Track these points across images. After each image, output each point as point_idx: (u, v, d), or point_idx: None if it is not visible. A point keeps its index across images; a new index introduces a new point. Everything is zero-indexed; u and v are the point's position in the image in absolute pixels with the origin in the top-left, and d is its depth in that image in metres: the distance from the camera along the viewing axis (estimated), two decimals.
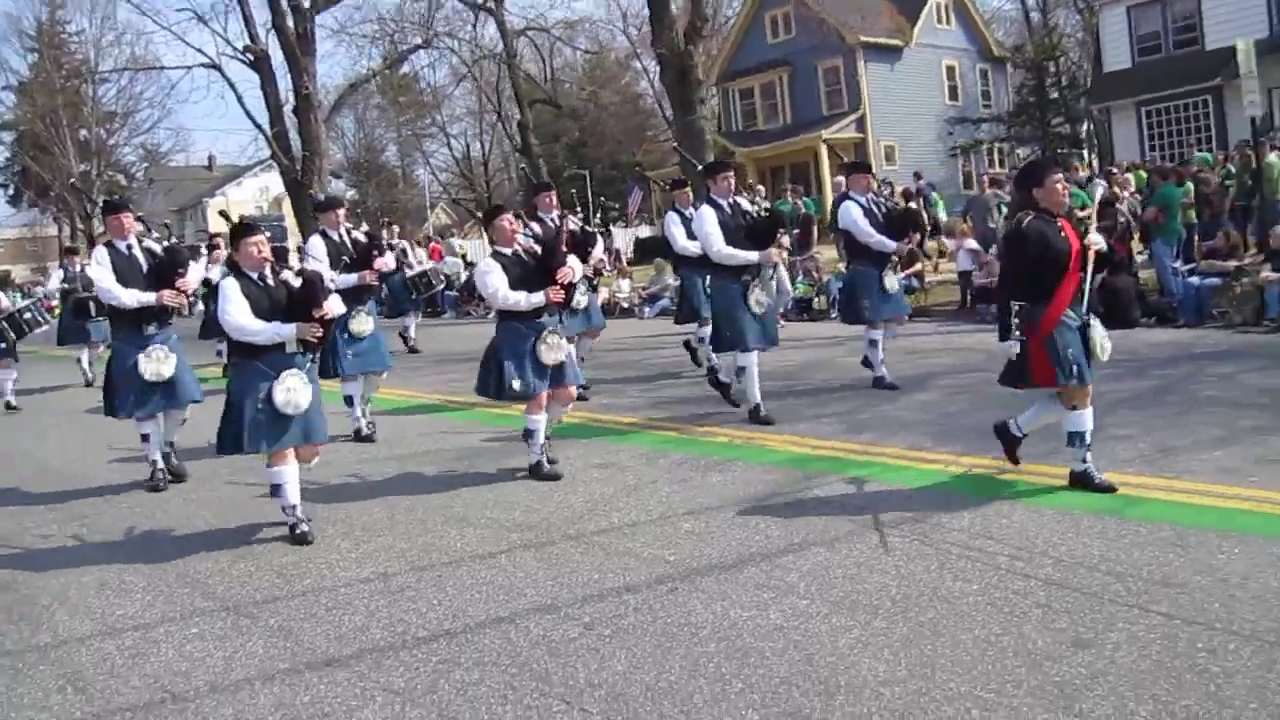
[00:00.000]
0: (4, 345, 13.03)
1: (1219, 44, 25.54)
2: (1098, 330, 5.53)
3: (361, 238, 8.76)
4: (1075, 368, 5.38)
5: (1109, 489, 5.43)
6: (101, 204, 8.33)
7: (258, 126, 27.34)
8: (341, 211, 8.76)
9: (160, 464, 7.48)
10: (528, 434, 6.77)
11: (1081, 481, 5.54)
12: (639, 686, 3.69)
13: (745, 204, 8.18)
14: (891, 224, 8.94)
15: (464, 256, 25.08)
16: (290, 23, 26.94)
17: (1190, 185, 14.77)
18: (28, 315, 13.19)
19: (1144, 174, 18.01)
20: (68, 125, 43.46)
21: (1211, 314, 12.64)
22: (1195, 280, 12.95)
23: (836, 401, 8.72)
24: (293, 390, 5.63)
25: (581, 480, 6.68)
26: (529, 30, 30.62)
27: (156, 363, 7.09)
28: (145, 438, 7.46)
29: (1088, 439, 5.53)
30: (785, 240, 8.52)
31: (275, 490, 5.86)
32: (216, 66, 27.36)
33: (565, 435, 7.83)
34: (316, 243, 8.41)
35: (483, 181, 48.79)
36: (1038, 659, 3.64)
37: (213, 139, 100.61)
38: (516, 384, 6.47)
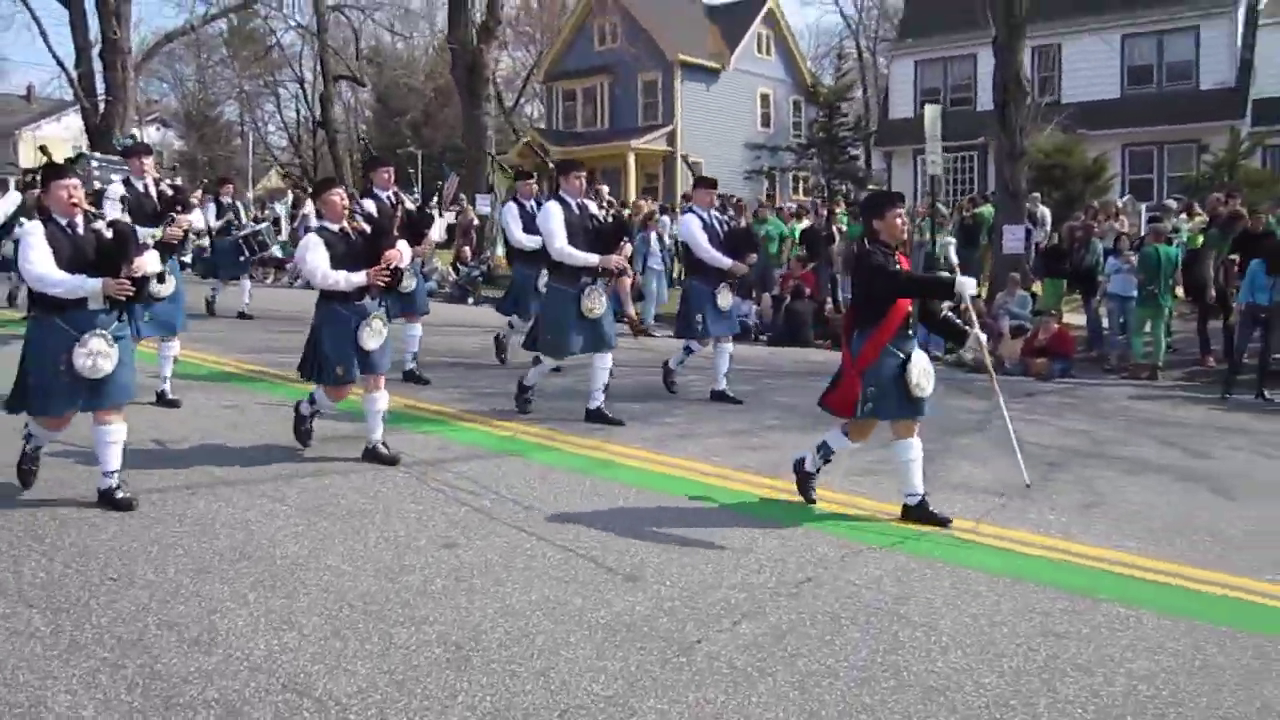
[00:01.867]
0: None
1: (988, 106, 28.23)
2: (917, 364, 5.54)
3: (169, 190, 8.19)
4: (870, 405, 5.54)
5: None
6: None
7: (60, 64, 27.18)
8: (148, 160, 8.22)
9: None
10: (312, 400, 6.72)
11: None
12: (143, 558, 4.80)
13: (593, 207, 8.11)
14: (731, 241, 9.03)
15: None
16: None
17: None
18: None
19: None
20: None
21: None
22: None
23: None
24: (97, 354, 5.22)
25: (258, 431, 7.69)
26: (342, 7, 31.13)
27: None
28: None
29: (830, 457, 5.95)
30: (628, 248, 8.15)
31: (28, 438, 5.67)
32: None
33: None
34: (116, 190, 7.74)
35: (310, 150, 48.56)
36: (404, 550, 4.95)
37: (26, 71, 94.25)
38: (340, 369, 6.34)
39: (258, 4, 29.91)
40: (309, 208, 21.12)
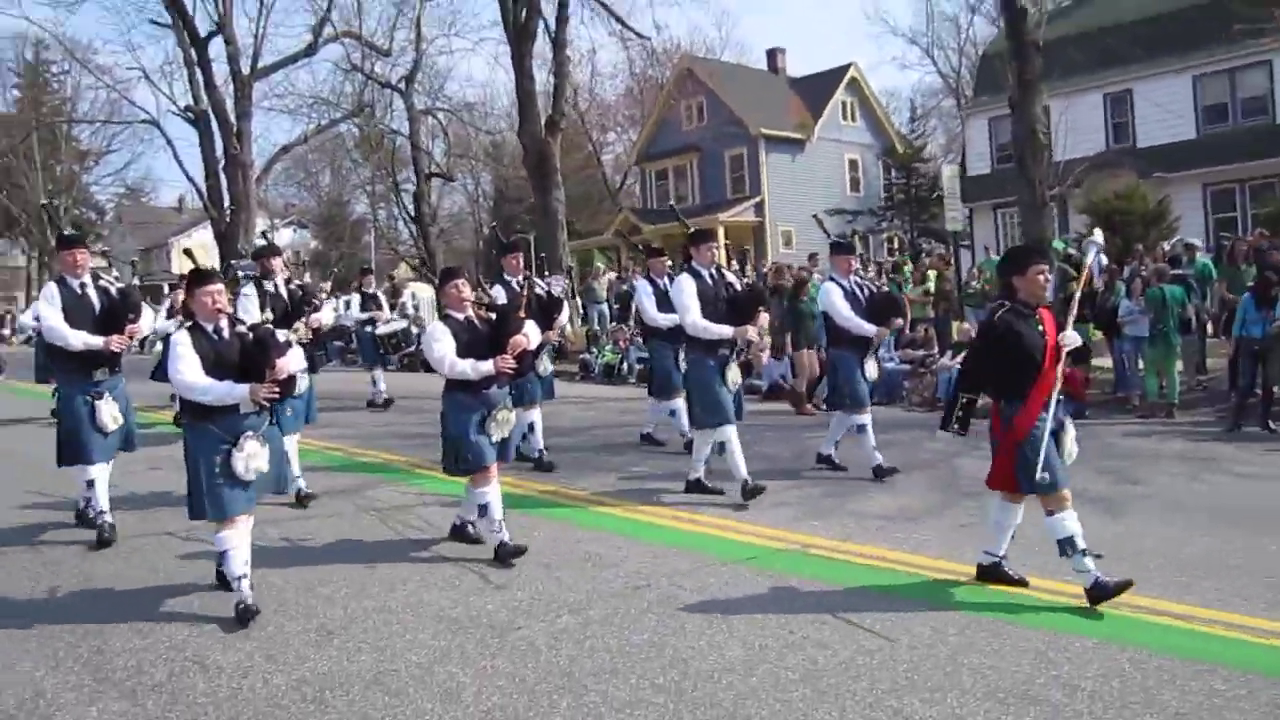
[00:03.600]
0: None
1: (1062, 158, 28.52)
2: (1070, 432, 5.46)
3: (298, 290, 8.54)
4: (1045, 475, 5.23)
5: (1126, 585, 5.25)
6: (56, 238, 7.83)
7: (189, 179, 30.43)
8: (277, 261, 8.51)
9: (108, 517, 7.14)
10: (482, 510, 6.52)
11: (1096, 596, 5.24)
12: (149, 592, 6.21)
13: (730, 275, 8.06)
14: (874, 307, 8.86)
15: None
16: (231, 88, 29.84)
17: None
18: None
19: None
20: (40, 160, 45.83)
21: (901, 396, 15.28)
22: (891, 366, 15.59)
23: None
24: (252, 457, 5.37)
25: None
26: (433, 110, 33.79)
27: (113, 406, 7.02)
28: (90, 484, 7.14)
29: (1079, 543, 5.30)
30: (765, 318, 8.06)
31: (221, 557, 5.65)
32: (155, 122, 30.37)
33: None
34: (249, 290, 8.08)
35: (420, 241, 51.58)
36: (333, 569, 6.20)
37: (157, 185, 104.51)
38: (470, 456, 6.35)
39: (361, 114, 32.71)
40: (407, 296, 22.94)
